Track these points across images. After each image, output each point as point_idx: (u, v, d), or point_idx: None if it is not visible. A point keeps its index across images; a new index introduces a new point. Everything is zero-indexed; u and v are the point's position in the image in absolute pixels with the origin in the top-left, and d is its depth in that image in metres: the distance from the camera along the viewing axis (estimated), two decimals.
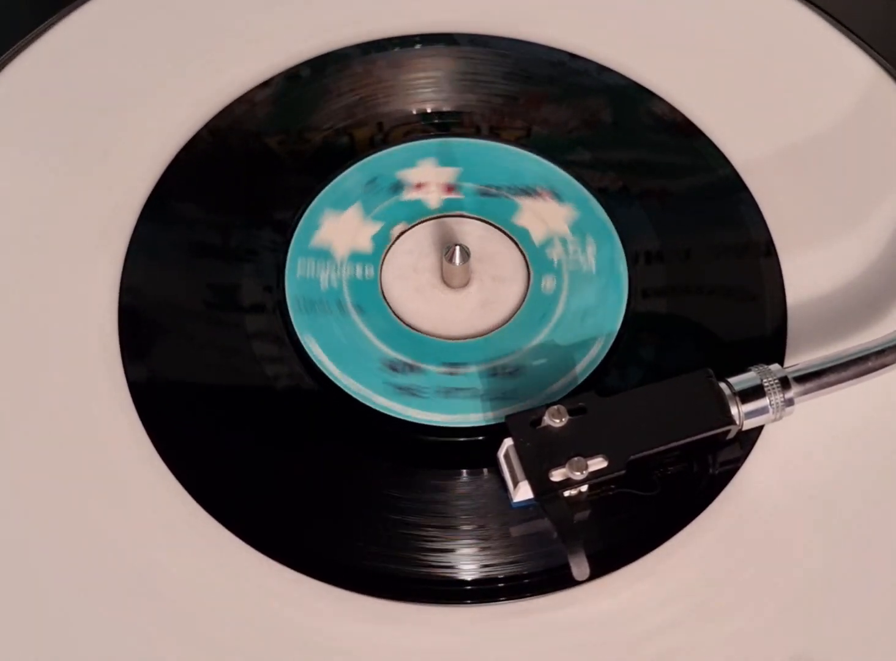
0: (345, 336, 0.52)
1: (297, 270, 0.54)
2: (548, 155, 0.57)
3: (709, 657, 0.47)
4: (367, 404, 0.51)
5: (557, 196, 0.56)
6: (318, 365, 0.51)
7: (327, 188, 0.56)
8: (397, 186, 0.56)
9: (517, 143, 0.58)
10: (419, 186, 0.56)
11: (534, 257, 0.54)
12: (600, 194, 0.56)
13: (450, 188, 0.56)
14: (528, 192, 0.56)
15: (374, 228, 0.55)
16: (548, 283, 0.54)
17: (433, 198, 0.56)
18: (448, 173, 0.57)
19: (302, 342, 0.52)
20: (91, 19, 0.61)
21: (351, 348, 0.52)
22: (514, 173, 0.57)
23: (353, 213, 0.55)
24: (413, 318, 0.53)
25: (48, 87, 0.60)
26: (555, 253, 0.55)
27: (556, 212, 0.56)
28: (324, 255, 0.54)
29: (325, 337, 0.52)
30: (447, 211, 0.56)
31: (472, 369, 0.52)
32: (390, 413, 0.50)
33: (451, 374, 0.51)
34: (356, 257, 0.54)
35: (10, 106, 0.59)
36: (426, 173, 0.57)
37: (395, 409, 0.51)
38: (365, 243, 0.55)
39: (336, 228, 0.55)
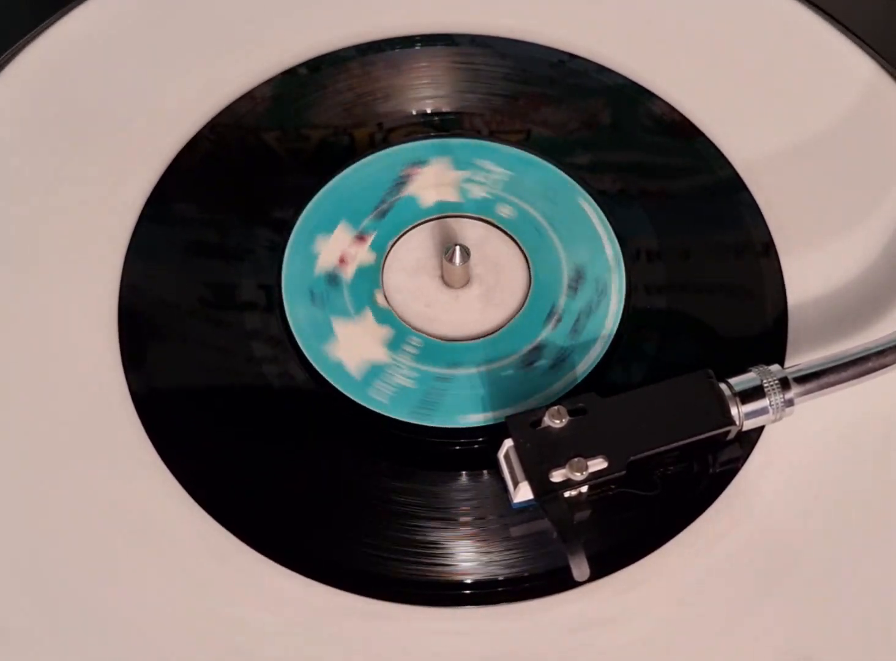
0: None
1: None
2: (548, 155, 0.57)
3: (709, 657, 0.47)
4: (365, 404, 0.51)
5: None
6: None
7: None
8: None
9: (517, 144, 0.58)
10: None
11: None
12: (600, 194, 0.56)
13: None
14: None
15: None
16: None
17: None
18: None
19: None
20: (91, 19, 0.61)
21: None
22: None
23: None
24: (414, 318, 0.53)
25: (48, 87, 0.59)
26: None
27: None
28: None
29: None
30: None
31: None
32: (388, 414, 0.50)
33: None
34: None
35: (10, 106, 0.59)
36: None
37: (288, 301, 0.52)
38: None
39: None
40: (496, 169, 0.57)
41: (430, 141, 0.58)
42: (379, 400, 0.51)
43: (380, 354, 0.52)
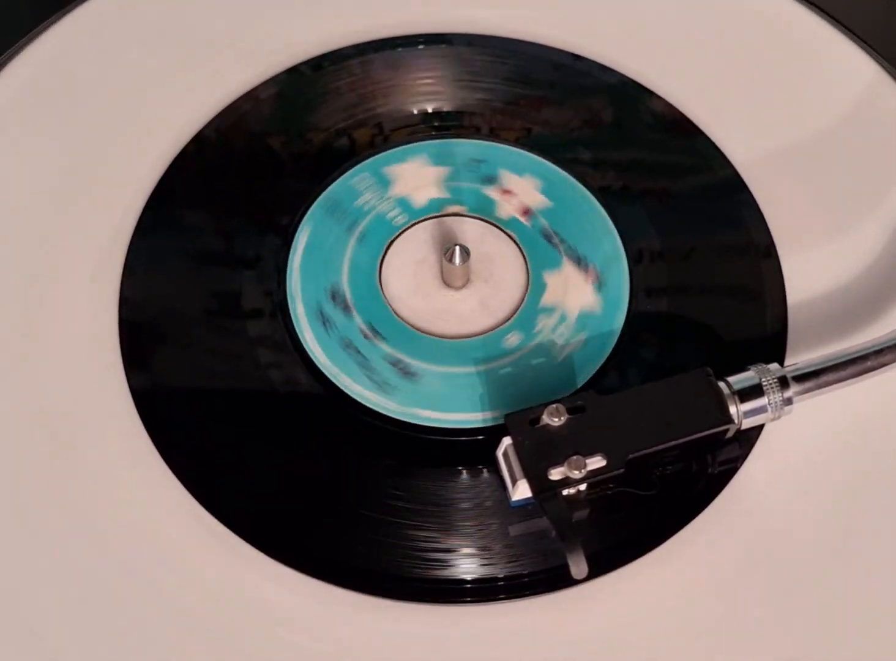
0: (329, 246, 0.54)
1: (353, 180, 0.56)
2: (548, 155, 0.57)
3: (708, 657, 0.47)
4: (365, 403, 0.51)
5: (600, 283, 0.54)
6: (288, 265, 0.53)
7: (440, 142, 0.58)
8: (491, 179, 0.57)
9: (517, 143, 0.58)
10: (506, 192, 0.57)
11: (525, 312, 0.54)
12: (601, 194, 0.56)
13: (526, 212, 0.56)
14: (580, 262, 0.55)
15: (441, 194, 0.56)
16: (511, 339, 0.53)
17: (506, 210, 0.56)
18: (539, 201, 0.57)
19: (294, 233, 0.54)
20: (91, 19, 0.62)
21: (322, 258, 0.54)
22: (585, 236, 0.56)
23: (438, 171, 0.57)
24: (410, 314, 0.54)
25: (48, 87, 0.60)
26: (543, 322, 0.54)
27: (584, 295, 0.54)
28: (384, 182, 0.56)
29: (316, 236, 0.55)
30: (506, 228, 0.56)
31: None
32: (388, 413, 0.51)
33: (364, 336, 0.52)
34: (403, 203, 0.56)
35: (10, 106, 0.59)
36: (522, 188, 0.57)
37: (301, 327, 0.52)
38: (421, 198, 0.56)
39: (415, 172, 0.57)
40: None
41: (429, 141, 0.58)
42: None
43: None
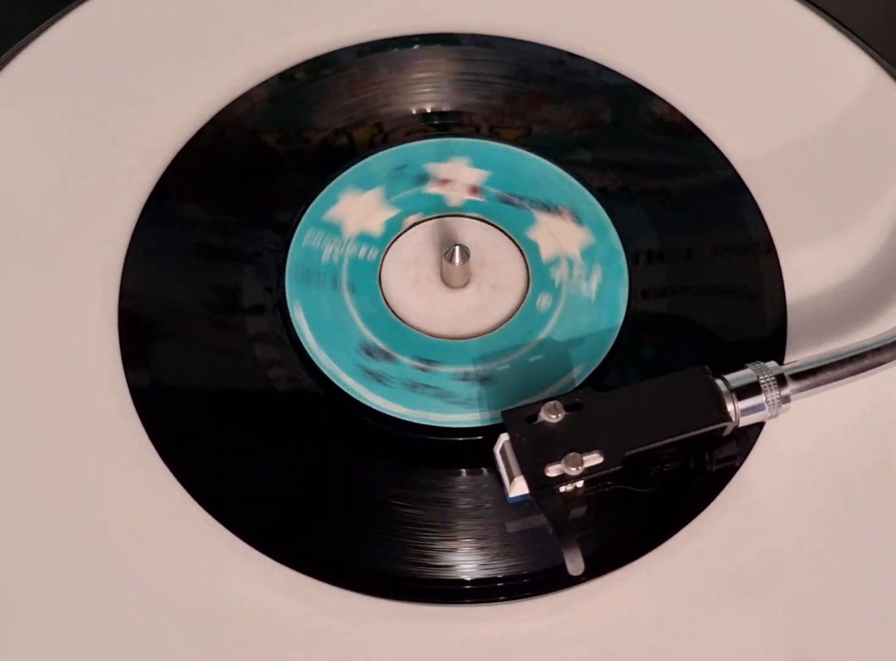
0: (331, 311, 0.53)
1: (304, 240, 0.54)
2: (548, 155, 0.57)
3: (708, 657, 0.47)
4: (365, 403, 0.51)
5: (578, 218, 0.56)
6: (298, 335, 0.52)
7: (355, 167, 0.57)
8: (423, 178, 0.56)
9: (516, 143, 0.58)
10: (444, 181, 0.56)
11: (536, 273, 0.54)
12: (600, 193, 0.56)
13: (474, 190, 0.56)
14: (549, 207, 0.56)
15: (390, 213, 0.55)
16: (543, 301, 0.54)
17: (455, 196, 0.56)
18: (476, 175, 0.57)
19: (288, 305, 0.53)
20: (91, 19, 0.62)
21: (333, 324, 0.53)
22: (540, 186, 0.57)
23: (373, 195, 0.56)
24: (403, 309, 0.53)
25: (48, 87, 0.60)
26: (558, 274, 0.54)
27: (571, 233, 0.55)
28: (334, 230, 0.55)
29: (311, 308, 0.53)
30: (466, 211, 0.56)
31: (441, 368, 0.52)
32: (389, 413, 0.51)
33: (422, 370, 0.52)
34: (364, 238, 0.55)
35: (10, 106, 0.59)
36: (455, 171, 0.57)
37: (359, 392, 0.51)
38: (376, 227, 0.55)
39: (353, 206, 0.56)
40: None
41: (467, 140, 0.58)
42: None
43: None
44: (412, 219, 0.55)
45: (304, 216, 0.55)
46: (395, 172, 0.57)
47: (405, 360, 0.52)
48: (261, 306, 0.54)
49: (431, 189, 0.56)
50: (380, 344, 0.52)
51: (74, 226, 0.56)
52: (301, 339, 0.52)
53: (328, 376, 0.51)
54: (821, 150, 0.58)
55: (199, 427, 0.51)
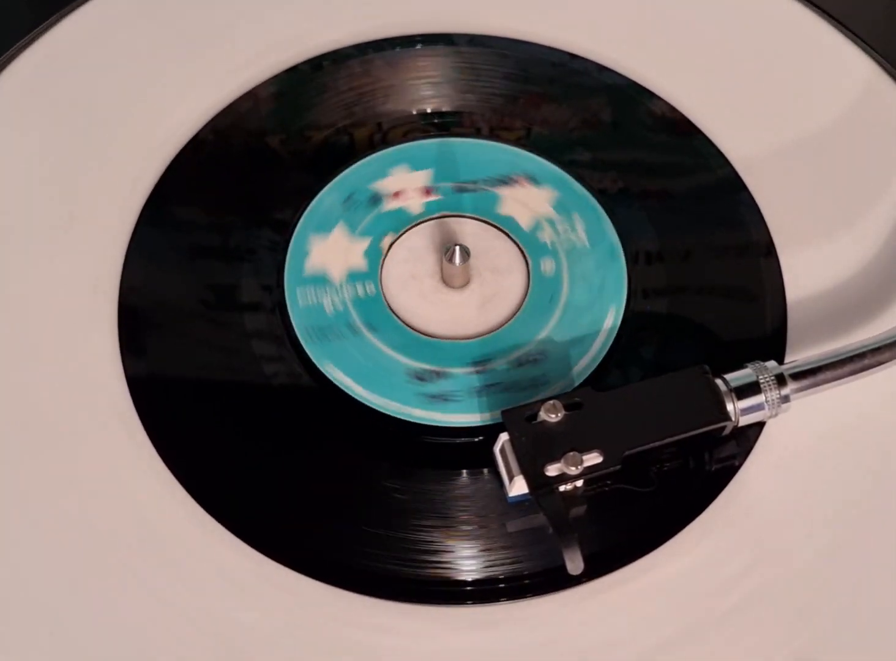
0: (363, 356, 0.52)
1: (299, 301, 0.53)
2: (548, 155, 0.57)
3: (708, 657, 0.47)
4: (365, 403, 0.51)
5: (533, 180, 0.56)
6: (346, 390, 0.51)
7: (307, 213, 0.56)
8: (375, 199, 0.56)
9: (516, 142, 0.58)
10: (397, 194, 0.56)
11: (527, 244, 0.55)
12: (600, 194, 0.56)
13: (427, 191, 0.56)
14: (505, 181, 0.56)
15: (363, 244, 0.55)
16: (547, 265, 0.54)
17: (414, 204, 0.56)
18: (421, 177, 0.57)
19: (319, 367, 0.52)
20: (91, 19, 0.62)
21: (375, 368, 0.52)
22: (485, 165, 0.57)
23: (338, 233, 0.55)
24: (426, 324, 0.53)
25: (48, 87, 0.60)
26: (546, 235, 0.55)
27: (536, 195, 0.56)
28: (321, 280, 0.54)
29: (344, 361, 0.52)
30: (430, 214, 0.56)
31: (499, 362, 0.52)
32: (389, 413, 0.51)
33: (478, 372, 0.52)
34: (354, 276, 0.54)
35: (10, 106, 0.59)
36: (401, 181, 0.57)
37: (423, 416, 0.51)
38: (359, 261, 0.55)
39: (326, 251, 0.55)
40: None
41: (401, 147, 0.58)
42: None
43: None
44: (387, 240, 0.55)
45: (286, 277, 0.54)
46: (347, 204, 0.56)
47: (459, 371, 0.52)
48: (260, 304, 0.54)
49: (389, 206, 0.56)
50: (427, 366, 0.52)
51: (75, 225, 0.56)
52: (351, 392, 0.51)
53: (328, 377, 0.51)
54: (821, 150, 0.58)
55: (195, 424, 0.51)
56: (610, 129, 0.59)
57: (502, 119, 0.59)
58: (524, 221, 0.55)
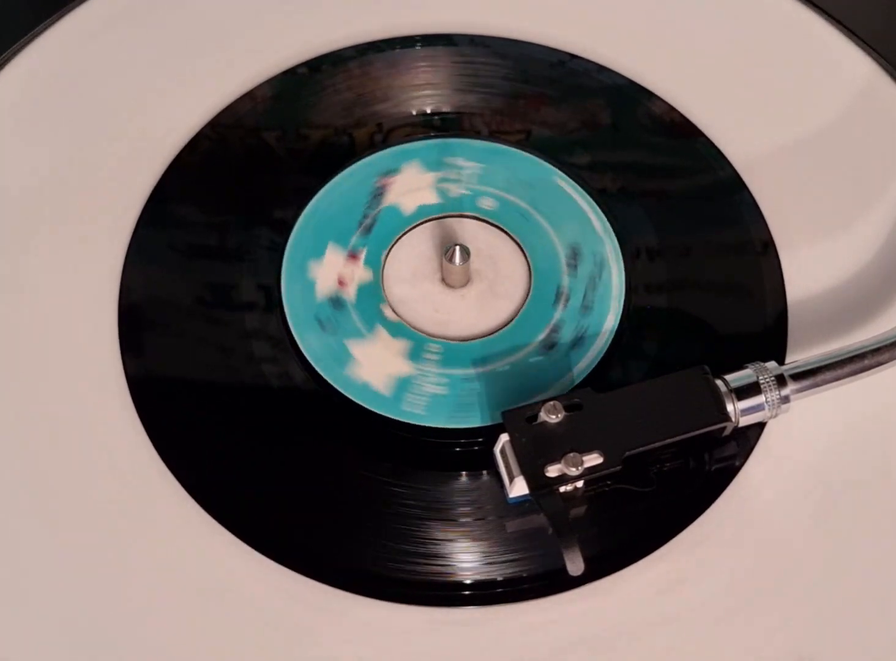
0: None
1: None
2: (547, 155, 0.57)
3: (709, 658, 0.47)
4: (365, 405, 0.51)
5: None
6: (346, 391, 0.51)
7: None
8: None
9: (517, 144, 0.58)
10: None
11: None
12: (600, 194, 0.57)
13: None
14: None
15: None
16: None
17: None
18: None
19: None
20: (91, 19, 0.62)
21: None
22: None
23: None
24: (426, 324, 0.53)
25: (47, 87, 0.60)
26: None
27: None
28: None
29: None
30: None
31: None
32: (390, 415, 0.51)
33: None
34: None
35: (10, 106, 0.59)
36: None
37: (432, 418, 0.51)
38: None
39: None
40: (468, 164, 0.57)
41: (430, 141, 0.58)
42: (413, 412, 0.51)
43: (404, 367, 0.52)
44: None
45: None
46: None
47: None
48: (258, 304, 0.54)
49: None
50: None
51: (75, 224, 0.56)
52: (351, 392, 0.51)
53: (327, 377, 0.51)
54: (821, 150, 0.58)
55: (195, 423, 0.51)
56: (610, 129, 0.59)
57: (502, 120, 0.59)
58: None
